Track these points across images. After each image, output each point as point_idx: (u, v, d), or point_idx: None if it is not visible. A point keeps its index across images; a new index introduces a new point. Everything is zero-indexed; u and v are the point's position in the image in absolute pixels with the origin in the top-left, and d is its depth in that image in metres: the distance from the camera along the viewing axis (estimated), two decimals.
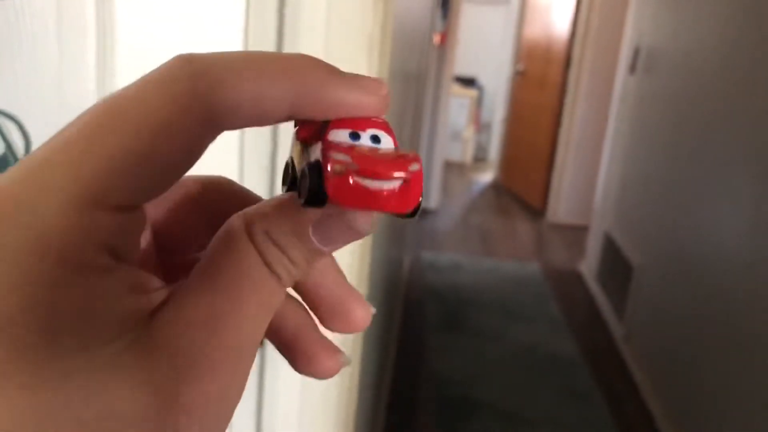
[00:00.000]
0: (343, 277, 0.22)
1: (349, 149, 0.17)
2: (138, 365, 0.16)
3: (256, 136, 0.51)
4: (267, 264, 0.18)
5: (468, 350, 2.56)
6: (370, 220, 0.18)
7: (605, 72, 3.84)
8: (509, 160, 5.10)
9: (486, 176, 5.69)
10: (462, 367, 2.44)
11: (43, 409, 0.15)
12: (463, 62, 5.80)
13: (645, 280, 2.46)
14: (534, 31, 4.75)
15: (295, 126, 0.19)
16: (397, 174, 0.17)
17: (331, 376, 0.21)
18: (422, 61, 2.51)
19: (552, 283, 3.31)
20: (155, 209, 0.22)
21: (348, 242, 0.19)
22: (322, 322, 0.22)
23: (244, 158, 0.51)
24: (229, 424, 0.18)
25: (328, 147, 0.18)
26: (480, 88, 6.36)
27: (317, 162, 0.17)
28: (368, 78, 0.19)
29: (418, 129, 2.99)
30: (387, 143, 0.19)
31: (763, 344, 1.58)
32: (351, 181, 0.17)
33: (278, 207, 0.19)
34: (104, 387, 0.15)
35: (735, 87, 1.91)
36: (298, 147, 0.19)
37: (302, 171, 0.18)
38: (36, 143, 0.44)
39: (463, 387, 2.31)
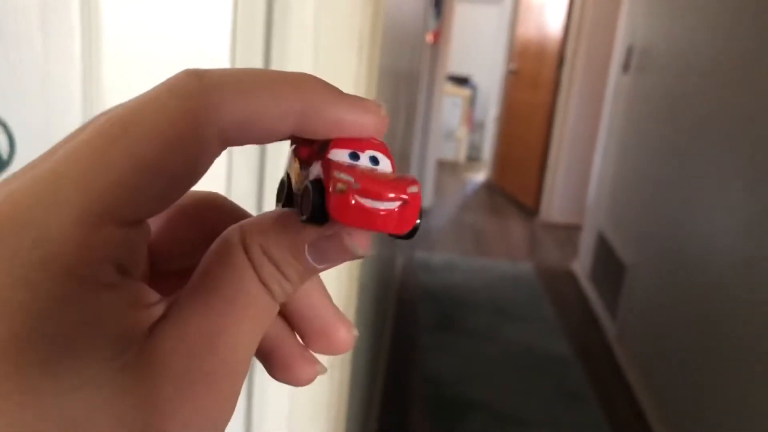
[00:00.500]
0: (329, 297, 0.22)
1: (350, 169, 0.18)
2: (138, 384, 0.16)
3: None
4: (262, 280, 0.18)
5: (461, 350, 2.56)
6: (368, 242, 0.18)
7: (598, 71, 3.85)
8: (502, 160, 5.10)
9: (479, 175, 5.70)
10: (455, 367, 2.44)
11: (42, 429, 0.15)
12: (456, 61, 5.80)
13: (638, 279, 2.46)
14: (527, 30, 4.76)
15: (292, 144, 0.20)
16: (397, 195, 0.17)
17: (306, 384, 0.22)
18: (415, 59, 2.51)
19: (545, 283, 3.32)
20: (151, 222, 0.22)
21: (342, 262, 0.19)
22: (304, 340, 0.22)
23: (232, 161, 0.50)
24: None
25: (330, 166, 0.18)
26: (473, 87, 6.36)
27: (319, 180, 0.18)
28: (368, 99, 0.19)
29: (411, 128, 2.99)
30: (385, 165, 0.19)
31: (756, 344, 1.59)
32: (352, 200, 0.17)
33: (276, 223, 0.19)
34: (107, 405, 0.16)
35: (728, 86, 1.92)
36: (297, 165, 0.20)
37: (304, 188, 0.18)
38: (20, 144, 0.44)
39: (456, 387, 2.31)
